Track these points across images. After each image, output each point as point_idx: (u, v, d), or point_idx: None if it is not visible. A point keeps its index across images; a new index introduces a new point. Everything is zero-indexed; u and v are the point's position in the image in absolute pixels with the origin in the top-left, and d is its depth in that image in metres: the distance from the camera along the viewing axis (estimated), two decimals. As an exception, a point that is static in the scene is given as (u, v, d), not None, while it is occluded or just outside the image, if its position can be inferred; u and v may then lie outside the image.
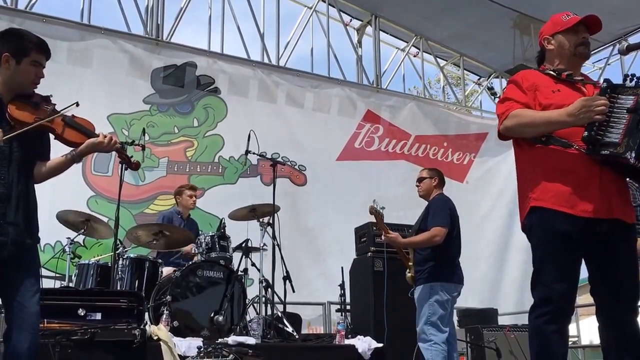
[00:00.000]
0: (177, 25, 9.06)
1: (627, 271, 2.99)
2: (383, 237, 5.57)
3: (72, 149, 3.16)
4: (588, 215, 2.92)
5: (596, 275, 3.06)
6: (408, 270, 5.52)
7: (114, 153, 4.22)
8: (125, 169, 3.62)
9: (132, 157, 3.53)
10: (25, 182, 3.02)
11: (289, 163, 9.13)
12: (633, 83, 2.86)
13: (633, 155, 2.73)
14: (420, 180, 5.66)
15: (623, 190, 3.05)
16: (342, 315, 6.93)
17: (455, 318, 7.83)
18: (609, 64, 10.75)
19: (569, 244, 2.95)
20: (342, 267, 7.15)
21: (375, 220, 5.75)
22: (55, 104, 3.14)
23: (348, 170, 9.84)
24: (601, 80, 3.07)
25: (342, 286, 7.18)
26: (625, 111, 2.80)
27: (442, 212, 5.30)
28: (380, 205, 5.52)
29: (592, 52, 10.46)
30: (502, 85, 12.10)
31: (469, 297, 9.44)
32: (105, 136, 3.17)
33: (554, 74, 3.17)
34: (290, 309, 6.90)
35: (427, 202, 5.61)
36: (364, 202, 9.41)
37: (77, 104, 3.20)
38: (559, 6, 9.46)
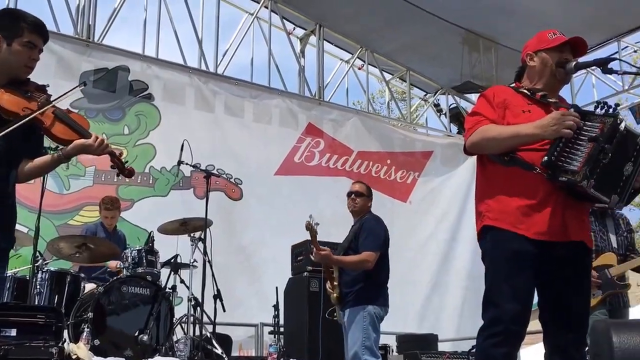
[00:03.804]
0: (110, 26, 9.02)
1: (578, 299, 3.08)
2: (314, 255, 5.43)
3: (60, 147, 3.03)
4: (542, 238, 2.99)
5: (547, 301, 3.12)
6: (332, 291, 5.45)
7: None
8: (118, 175, 3.39)
9: (127, 162, 3.35)
10: (4, 180, 2.90)
11: (224, 175, 9.16)
12: (602, 112, 2.95)
13: (592, 184, 2.82)
14: (358, 194, 5.54)
15: (581, 214, 3.13)
16: (275, 337, 6.95)
17: (394, 343, 7.98)
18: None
19: (523, 265, 3.00)
20: (276, 287, 7.17)
21: (310, 237, 5.72)
22: (50, 95, 3.03)
23: (287, 186, 9.92)
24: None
25: (276, 307, 7.20)
26: (587, 139, 2.88)
27: (377, 235, 5.29)
28: (315, 221, 5.53)
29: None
30: (449, 102, 12.40)
31: (409, 322, 9.62)
32: (96, 138, 3.04)
33: (528, 94, 3.25)
34: (221, 329, 6.88)
35: (354, 217, 5.61)
36: (302, 219, 9.49)
37: (85, 84, 3.11)
38: (508, 26, 9.96)
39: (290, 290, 7.03)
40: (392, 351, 7.73)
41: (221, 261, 8.48)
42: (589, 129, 2.92)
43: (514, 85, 3.40)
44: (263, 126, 10.04)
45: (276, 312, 7.12)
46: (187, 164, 6.28)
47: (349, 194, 5.59)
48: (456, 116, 12.25)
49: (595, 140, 2.85)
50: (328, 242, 6.70)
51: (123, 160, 3.31)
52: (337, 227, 6.39)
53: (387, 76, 11.99)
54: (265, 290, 8.00)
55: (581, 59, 3.25)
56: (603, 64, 3.14)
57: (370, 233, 5.28)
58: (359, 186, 5.66)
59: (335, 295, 5.39)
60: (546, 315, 3.12)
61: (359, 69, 11.64)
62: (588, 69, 8.01)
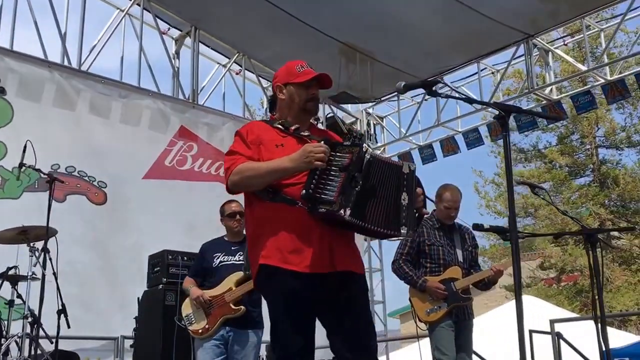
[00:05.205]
0: (-45, 12, 8.05)
1: (359, 322, 3.09)
2: None
3: None
4: (312, 270, 3.01)
5: (331, 329, 3.12)
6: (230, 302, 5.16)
7: None
8: None
9: None
10: None
11: (86, 178, 8.41)
12: (350, 142, 3.05)
13: (348, 212, 2.87)
14: (242, 215, 5.35)
15: (348, 243, 3.19)
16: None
17: (263, 352, 7.59)
18: (426, 100, 11.23)
19: (299, 301, 3.03)
20: (138, 298, 6.74)
21: None
22: None
23: (156, 190, 9.28)
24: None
25: (137, 319, 6.72)
26: (339, 169, 2.96)
27: None
28: None
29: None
30: (325, 111, 12.10)
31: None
32: None
33: (282, 128, 3.28)
34: (79, 344, 6.31)
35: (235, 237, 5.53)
36: (172, 224, 8.99)
37: None
38: (383, 42, 9.79)
39: (146, 303, 6.59)
40: (263, 361, 7.50)
41: (84, 270, 7.82)
42: (339, 159, 2.99)
43: (269, 118, 3.47)
44: (131, 128, 9.30)
45: (137, 325, 6.69)
46: (29, 166, 5.60)
47: (233, 215, 5.51)
48: (333, 125, 11.99)
49: (346, 170, 2.94)
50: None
51: None
52: (211, 234, 6.01)
53: (265, 83, 11.53)
54: (129, 301, 7.43)
55: (422, 79, 3.34)
56: (428, 86, 3.11)
57: None
58: (239, 205, 5.48)
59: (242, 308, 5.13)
60: (334, 343, 3.12)
61: (237, 74, 11.14)
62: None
